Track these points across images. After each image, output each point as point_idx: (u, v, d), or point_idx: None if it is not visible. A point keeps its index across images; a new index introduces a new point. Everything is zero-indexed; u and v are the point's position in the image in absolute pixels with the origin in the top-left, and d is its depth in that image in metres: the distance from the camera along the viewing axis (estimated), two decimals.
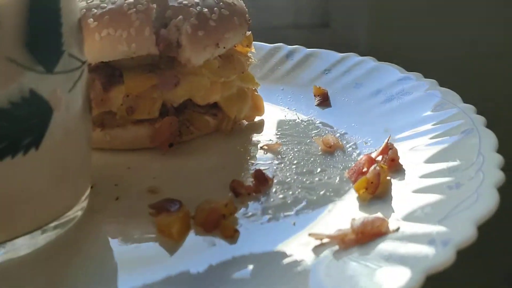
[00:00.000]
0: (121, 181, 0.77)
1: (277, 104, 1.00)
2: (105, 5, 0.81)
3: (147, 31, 0.79)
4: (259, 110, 0.95)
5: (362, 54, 1.07)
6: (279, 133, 0.90)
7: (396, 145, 0.78)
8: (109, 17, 0.79)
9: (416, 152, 0.77)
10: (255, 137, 0.89)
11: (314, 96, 1.01)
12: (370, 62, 1.04)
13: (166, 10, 0.82)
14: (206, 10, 0.83)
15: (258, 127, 0.93)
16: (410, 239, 0.57)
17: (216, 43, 0.82)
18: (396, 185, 0.71)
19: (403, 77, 0.96)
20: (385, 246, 0.57)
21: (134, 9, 0.79)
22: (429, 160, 0.74)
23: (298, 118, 0.95)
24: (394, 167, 0.75)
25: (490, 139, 0.72)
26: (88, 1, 0.84)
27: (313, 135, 0.89)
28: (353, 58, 1.07)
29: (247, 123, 0.94)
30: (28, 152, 0.56)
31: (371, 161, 0.75)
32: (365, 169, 0.74)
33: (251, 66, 0.95)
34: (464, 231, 0.55)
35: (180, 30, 0.80)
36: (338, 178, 0.76)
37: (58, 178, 0.62)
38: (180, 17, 0.81)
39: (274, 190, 0.74)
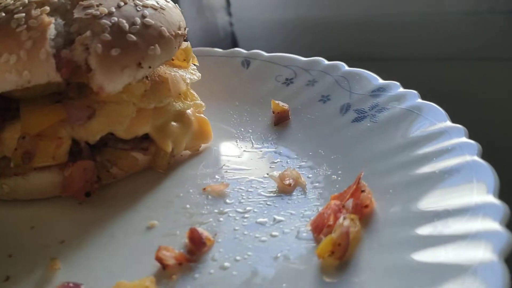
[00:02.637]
0: (17, 250, 0.60)
1: (229, 126, 0.83)
2: None
3: (42, 53, 0.61)
4: (205, 137, 0.78)
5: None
6: (228, 167, 0.73)
7: (369, 181, 0.62)
8: None
9: (394, 195, 0.60)
10: (197, 175, 0.72)
11: (273, 112, 0.83)
12: (339, 68, 0.86)
13: (71, 24, 0.64)
14: (123, 20, 0.65)
15: (203, 160, 0.76)
16: None
17: (138, 63, 0.65)
18: (371, 243, 0.55)
19: (377, 88, 0.79)
20: None
21: (25, 26, 0.61)
22: (412, 207, 0.57)
23: (253, 145, 0.78)
24: (367, 215, 0.58)
25: (486, 177, 0.56)
26: None
27: (270, 167, 0.71)
28: (320, 63, 0.89)
29: (189, 153, 0.77)
30: None
31: (339, 209, 0.58)
32: (331, 221, 0.57)
33: (195, 82, 0.78)
34: None
35: (88, 49, 0.62)
36: (296, 232, 0.59)
37: None
38: (88, 32, 0.63)
39: (214, 255, 0.57)
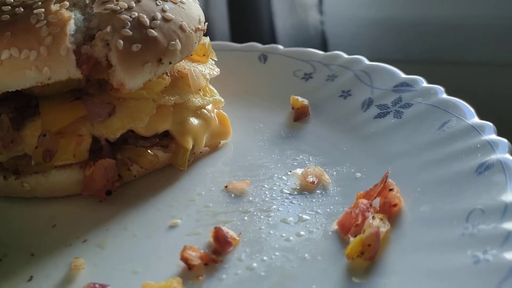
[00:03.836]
0: (40, 248, 0.59)
1: (248, 122, 0.81)
2: (6, 15, 0.61)
3: (63, 49, 0.60)
4: (224, 134, 0.77)
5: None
6: (248, 165, 0.71)
7: (396, 179, 0.60)
8: (11, 33, 0.60)
9: (423, 193, 0.59)
10: (218, 172, 0.71)
11: (292, 108, 0.82)
12: (359, 62, 0.85)
13: (90, 19, 0.63)
14: (143, 15, 0.64)
15: (222, 157, 0.75)
16: None
17: (159, 58, 0.63)
18: (400, 244, 0.53)
19: (400, 83, 0.77)
20: None
21: (45, 21, 0.60)
22: (439, 207, 0.56)
23: (273, 141, 0.76)
24: (396, 214, 0.57)
25: None
26: None
27: (292, 165, 0.70)
28: (339, 57, 0.88)
29: (208, 150, 0.75)
30: None
31: (366, 208, 0.56)
32: (359, 221, 0.56)
33: (214, 77, 0.77)
34: None
35: (109, 45, 0.61)
36: (323, 231, 0.58)
37: None
38: (109, 27, 0.62)
39: (240, 255, 0.56)
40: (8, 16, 0.61)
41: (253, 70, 0.92)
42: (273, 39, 1.37)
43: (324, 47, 1.38)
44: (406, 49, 1.25)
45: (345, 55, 0.88)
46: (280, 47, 0.95)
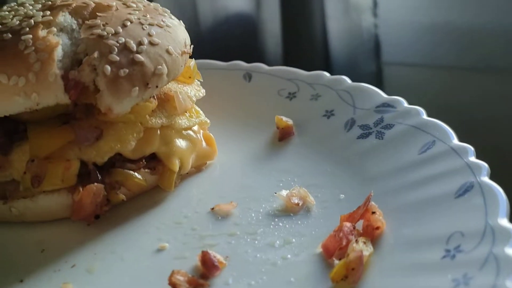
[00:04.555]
0: (29, 274, 0.59)
1: (233, 142, 0.82)
2: None
3: (51, 75, 0.60)
4: (210, 154, 0.78)
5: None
6: (234, 185, 0.72)
7: (378, 201, 0.62)
8: (0, 60, 0.60)
9: (404, 215, 0.61)
10: (204, 193, 0.72)
11: (277, 128, 0.83)
12: (342, 82, 0.86)
13: (77, 44, 0.64)
14: (130, 40, 0.65)
15: (208, 177, 0.76)
16: None
17: (146, 83, 0.64)
18: (382, 267, 0.55)
19: (382, 103, 0.79)
20: None
21: (33, 47, 0.61)
22: (420, 229, 0.58)
23: (258, 162, 0.78)
24: (378, 237, 0.59)
25: (497, 199, 0.56)
26: None
27: (277, 186, 0.71)
28: (323, 77, 0.89)
29: (194, 170, 0.76)
30: None
31: (350, 231, 0.58)
32: (343, 244, 0.57)
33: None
34: None
35: (96, 70, 0.62)
36: (308, 255, 0.59)
37: None
38: (96, 52, 0.62)
39: (227, 280, 0.57)
40: None
41: (238, 89, 0.93)
42: (324, 42, 1.36)
43: (377, 51, 1.36)
44: (462, 56, 1.23)
45: (328, 75, 0.89)
46: (264, 66, 0.96)
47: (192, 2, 1.45)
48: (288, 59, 1.41)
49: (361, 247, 0.55)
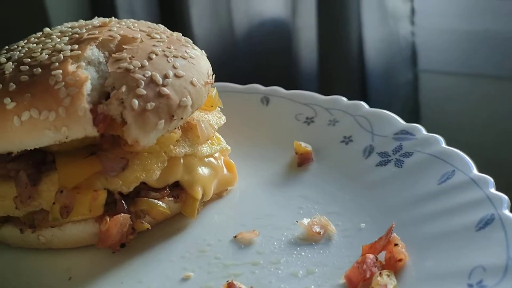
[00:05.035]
0: None
1: (252, 168, 0.84)
2: (25, 76, 0.63)
3: (80, 109, 0.62)
4: (231, 181, 0.79)
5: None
6: (255, 213, 0.74)
7: (399, 231, 0.63)
8: (31, 95, 0.62)
9: (426, 247, 0.62)
10: (226, 221, 0.73)
11: (296, 153, 0.85)
12: (359, 108, 0.88)
13: (105, 77, 0.66)
14: (156, 74, 0.66)
15: (229, 203, 0.77)
16: None
17: (171, 116, 0.66)
18: None
19: (400, 130, 0.80)
20: None
21: (63, 83, 0.62)
22: (442, 262, 0.58)
23: (278, 188, 0.79)
24: (401, 269, 0.60)
25: None
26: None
27: (298, 213, 0.73)
28: (340, 102, 0.91)
29: (215, 196, 0.78)
30: None
31: (373, 263, 0.59)
32: (368, 275, 0.58)
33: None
34: None
35: (124, 103, 0.64)
36: (329, 285, 0.60)
37: None
38: (124, 87, 0.64)
39: None
40: (27, 76, 0.63)
41: (256, 113, 0.94)
42: (360, 50, 1.36)
43: (414, 59, 1.36)
44: (501, 64, 1.22)
45: (345, 100, 0.91)
46: (281, 89, 0.97)
47: (227, 9, 1.46)
48: (323, 67, 1.41)
49: (386, 281, 0.56)
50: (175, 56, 0.70)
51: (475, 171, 0.68)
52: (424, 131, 0.79)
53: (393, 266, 0.59)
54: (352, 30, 1.39)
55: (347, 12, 1.38)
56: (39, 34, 0.76)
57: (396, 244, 0.61)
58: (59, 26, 0.77)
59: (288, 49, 1.48)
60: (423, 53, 1.37)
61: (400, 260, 0.60)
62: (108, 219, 0.65)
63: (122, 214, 0.65)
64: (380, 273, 0.57)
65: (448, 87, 1.34)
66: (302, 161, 0.83)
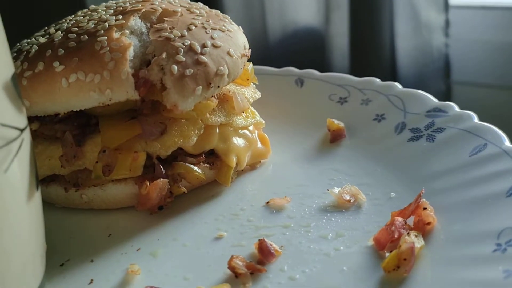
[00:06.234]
0: (98, 255, 0.64)
1: (286, 143, 0.86)
2: (73, 42, 0.67)
3: (123, 73, 0.65)
4: (265, 153, 0.81)
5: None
6: (287, 183, 0.76)
7: (428, 199, 0.64)
8: (78, 59, 0.66)
9: (454, 213, 0.62)
10: (258, 189, 0.75)
11: (329, 130, 0.86)
12: (393, 88, 0.89)
13: (146, 46, 0.69)
14: (194, 43, 0.69)
15: (262, 175, 0.79)
16: None
17: (208, 83, 0.69)
18: (433, 260, 0.57)
19: (433, 108, 0.81)
20: None
21: (108, 48, 0.66)
22: (471, 225, 0.59)
23: (310, 161, 0.81)
24: (429, 232, 0.61)
25: None
26: (48, 34, 0.71)
27: (329, 184, 0.74)
28: (373, 83, 0.92)
29: (249, 168, 0.80)
30: None
31: (402, 226, 0.60)
32: (395, 237, 0.59)
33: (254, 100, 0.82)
34: None
35: (164, 69, 0.67)
36: (360, 247, 0.62)
37: None
38: (164, 54, 0.67)
39: (283, 266, 0.60)
40: (75, 43, 0.67)
41: (290, 94, 0.97)
42: (392, 59, 1.37)
43: (447, 70, 1.36)
44: None
45: (379, 81, 0.92)
46: (316, 72, 1.00)
47: (262, 16, 1.49)
48: (355, 74, 1.43)
49: (413, 239, 0.57)
50: (213, 29, 0.73)
51: (507, 143, 0.69)
52: (457, 108, 0.79)
53: (422, 229, 0.60)
54: (385, 39, 1.40)
55: (380, 21, 1.40)
56: (85, 9, 0.80)
57: (425, 208, 0.62)
58: (104, 3, 0.81)
59: (320, 56, 1.50)
60: (457, 64, 1.36)
61: (428, 223, 0.61)
62: (148, 183, 0.68)
63: (161, 179, 0.68)
64: (408, 233, 0.58)
65: (481, 99, 1.33)
66: (335, 137, 0.85)
